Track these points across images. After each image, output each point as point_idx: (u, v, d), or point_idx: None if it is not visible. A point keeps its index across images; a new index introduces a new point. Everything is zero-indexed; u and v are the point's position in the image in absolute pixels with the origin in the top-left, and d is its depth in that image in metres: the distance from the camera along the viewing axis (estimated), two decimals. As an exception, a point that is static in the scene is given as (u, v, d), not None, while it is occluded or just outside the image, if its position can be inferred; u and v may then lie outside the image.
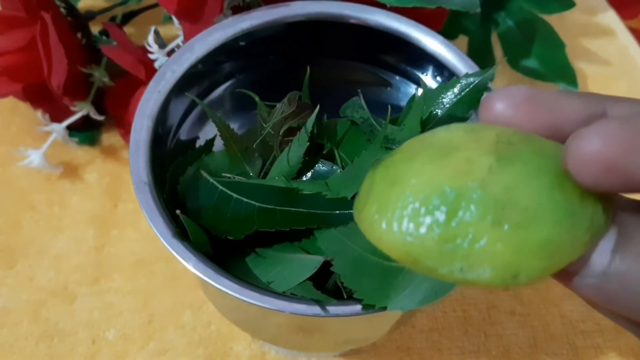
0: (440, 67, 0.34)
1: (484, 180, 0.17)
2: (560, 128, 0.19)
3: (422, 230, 0.17)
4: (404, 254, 0.18)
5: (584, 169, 0.16)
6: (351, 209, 0.27)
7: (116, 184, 0.44)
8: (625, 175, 0.16)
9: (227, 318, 0.34)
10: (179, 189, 0.29)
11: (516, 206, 0.17)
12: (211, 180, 0.28)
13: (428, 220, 0.17)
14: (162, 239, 0.26)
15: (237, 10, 0.36)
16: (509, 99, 0.19)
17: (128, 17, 0.48)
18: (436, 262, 0.17)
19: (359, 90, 0.33)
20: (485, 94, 0.21)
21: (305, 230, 0.27)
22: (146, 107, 0.30)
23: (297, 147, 0.29)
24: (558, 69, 0.50)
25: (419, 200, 0.17)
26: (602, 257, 0.17)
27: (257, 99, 0.32)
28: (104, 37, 0.45)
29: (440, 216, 0.17)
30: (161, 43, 0.40)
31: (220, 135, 0.31)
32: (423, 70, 0.35)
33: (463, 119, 0.30)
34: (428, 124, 0.30)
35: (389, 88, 0.37)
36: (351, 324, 0.30)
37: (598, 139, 0.16)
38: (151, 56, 0.40)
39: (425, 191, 0.17)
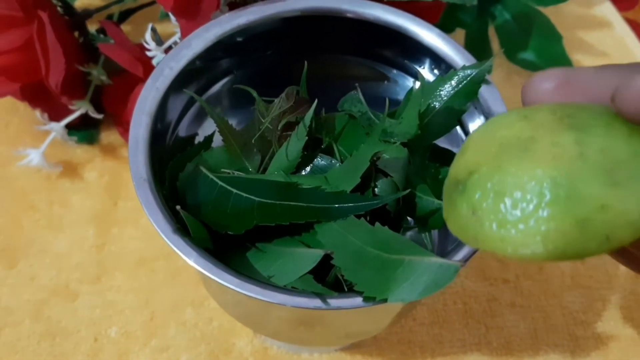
0: (438, 60, 0.34)
1: (582, 154, 0.18)
2: (597, 101, 0.21)
3: (555, 223, 0.18)
4: (561, 251, 0.18)
5: (635, 103, 0.18)
6: (350, 202, 0.27)
7: (116, 182, 0.44)
8: None
9: (229, 313, 0.35)
10: (178, 185, 0.29)
11: (619, 164, 0.18)
12: (211, 176, 0.28)
13: (558, 213, 0.18)
14: (162, 235, 0.26)
15: (233, 6, 0.36)
16: (553, 79, 0.21)
17: (125, 15, 0.48)
18: (583, 244, 0.18)
19: (356, 84, 0.33)
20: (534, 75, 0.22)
21: (305, 224, 0.27)
22: (144, 104, 0.30)
23: (296, 141, 0.29)
24: (555, 61, 0.50)
25: (538, 199, 0.18)
26: None
27: (255, 94, 0.32)
28: (101, 36, 0.45)
29: (567, 205, 0.18)
30: (158, 40, 0.40)
31: (219, 131, 0.31)
32: (420, 63, 0.35)
33: (461, 112, 0.30)
34: (426, 116, 0.30)
35: (386, 82, 0.37)
36: (352, 317, 0.30)
37: None
38: (149, 53, 0.40)
39: (538, 189, 0.18)
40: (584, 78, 0.21)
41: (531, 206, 0.18)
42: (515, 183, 0.19)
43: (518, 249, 0.19)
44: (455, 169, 0.22)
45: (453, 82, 0.30)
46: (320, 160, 0.30)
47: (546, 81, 0.22)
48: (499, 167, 0.20)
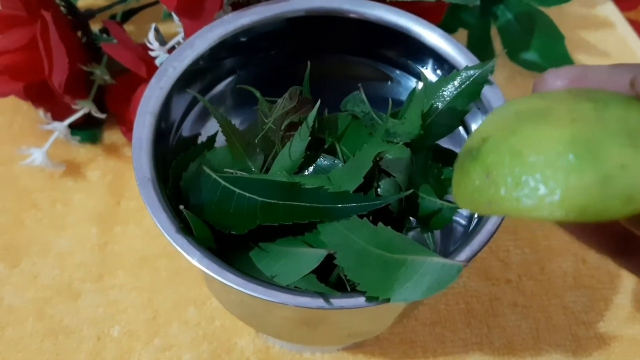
0: (440, 61, 0.34)
1: (601, 118, 0.18)
2: None
3: (575, 180, 0.17)
4: (581, 210, 0.17)
5: None
6: (353, 202, 0.27)
7: (118, 182, 0.44)
8: None
9: (232, 313, 0.35)
10: (181, 185, 0.29)
11: (638, 131, 0.18)
12: (214, 176, 0.28)
13: (577, 169, 0.17)
14: (166, 235, 0.27)
15: (236, 6, 0.36)
16: (566, 76, 0.21)
17: (128, 15, 0.48)
18: (605, 202, 0.17)
19: (359, 84, 0.33)
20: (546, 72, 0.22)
21: (308, 224, 0.27)
22: (148, 104, 0.30)
23: (299, 141, 0.30)
24: (557, 62, 0.50)
25: (556, 157, 0.18)
26: None
27: (258, 94, 0.32)
28: (104, 35, 0.45)
29: (587, 161, 0.17)
30: (161, 40, 0.40)
31: (222, 131, 0.31)
32: (423, 63, 0.35)
33: (463, 112, 0.30)
34: (429, 117, 0.30)
35: (389, 82, 0.37)
36: (355, 317, 0.30)
37: None
38: (152, 53, 0.40)
39: (557, 147, 0.18)
40: (597, 75, 0.21)
41: (549, 163, 0.18)
42: (531, 143, 0.18)
43: (536, 208, 0.18)
44: (469, 142, 0.21)
45: (456, 83, 0.30)
46: (323, 161, 0.30)
47: (559, 78, 0.22)
48: (514, 131, 0.19)
